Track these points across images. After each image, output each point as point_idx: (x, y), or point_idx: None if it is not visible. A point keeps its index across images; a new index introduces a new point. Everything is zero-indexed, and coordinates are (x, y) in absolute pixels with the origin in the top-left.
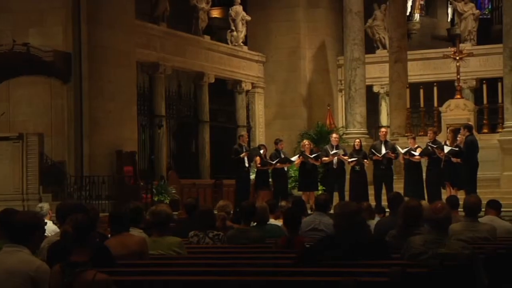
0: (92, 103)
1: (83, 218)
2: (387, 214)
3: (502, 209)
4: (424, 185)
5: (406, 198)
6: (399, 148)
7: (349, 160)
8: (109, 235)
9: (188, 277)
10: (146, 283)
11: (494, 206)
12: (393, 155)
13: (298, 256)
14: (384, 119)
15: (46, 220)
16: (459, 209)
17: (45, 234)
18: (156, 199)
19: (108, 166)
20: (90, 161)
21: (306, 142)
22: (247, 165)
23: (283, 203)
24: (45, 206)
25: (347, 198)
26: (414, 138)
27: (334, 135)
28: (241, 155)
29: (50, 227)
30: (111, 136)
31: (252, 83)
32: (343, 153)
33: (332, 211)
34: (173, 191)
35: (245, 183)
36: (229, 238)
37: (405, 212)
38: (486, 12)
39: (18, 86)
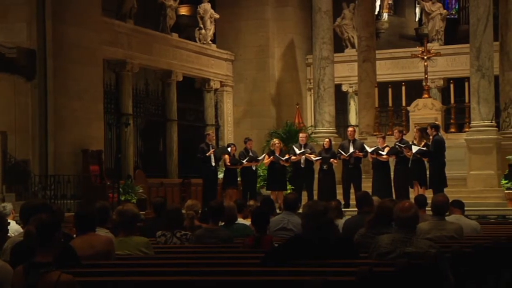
0: (57, 101)
1: (47, 218)
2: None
3: (469, 208)
4: (392, 184)
5: (374, 197)
6: (367, 147)
7: (315, 159)
8: (75, 235)
9: (155, 278)
10: (112, 284)
11: (458, 205)
12: (360, 154)
13: (266, 255)
14: (352, 118)
15: (9, 220)
16: (427, 208)
17: (8, 234)
18: (123, 198)
19: (73, 165)
20: (55, 160)
21: (276, 141)
22: (213, 163)
23: (251, 202)
24: (8, 205)
25: (315, 197)
26: (383, 138)
27: (301, 134)
28: (207, 154)
29: (14, 227)
30: (76, 134)
31: (221, 82)
32: (310, 152)
33: (301, 211)
34: (140, 191)
35: (212, 182)
36: (197, 238)
37: (379, 211)
38: (453, 12)
39: None
